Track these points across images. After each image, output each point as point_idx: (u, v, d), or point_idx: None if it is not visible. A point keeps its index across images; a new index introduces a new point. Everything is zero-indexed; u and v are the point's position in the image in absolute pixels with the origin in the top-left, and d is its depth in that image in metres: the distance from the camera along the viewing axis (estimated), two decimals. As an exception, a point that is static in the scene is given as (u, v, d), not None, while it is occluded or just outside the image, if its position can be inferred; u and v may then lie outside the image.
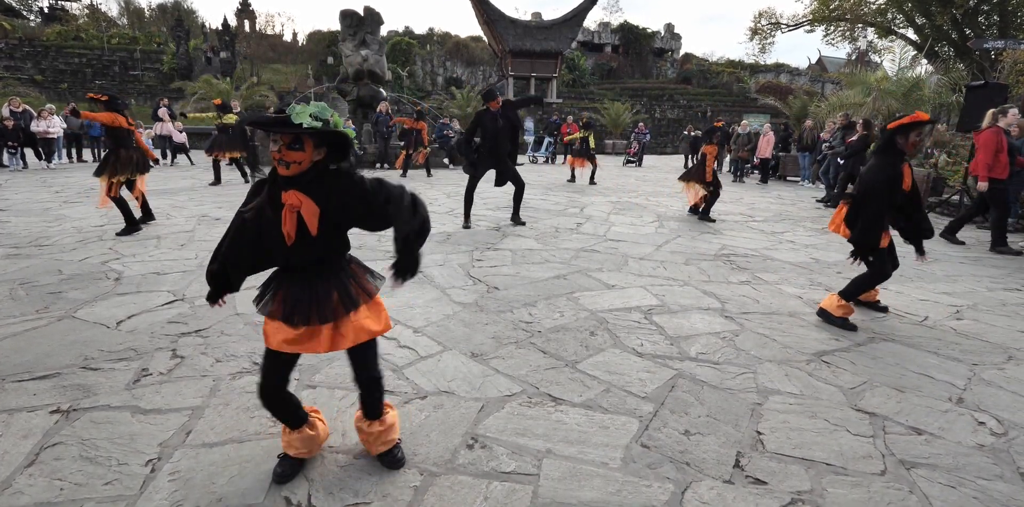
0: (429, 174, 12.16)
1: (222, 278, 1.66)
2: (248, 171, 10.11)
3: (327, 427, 1.92)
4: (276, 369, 1.65)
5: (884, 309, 3.57)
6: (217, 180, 9.45)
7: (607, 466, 1.84)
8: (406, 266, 1.55)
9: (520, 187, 6.16)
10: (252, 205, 1.56)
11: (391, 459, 1.80)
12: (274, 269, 1.66)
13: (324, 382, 2.37)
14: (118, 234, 5.23)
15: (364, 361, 1.72)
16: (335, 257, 1.64)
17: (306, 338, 1.59)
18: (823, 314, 3.32)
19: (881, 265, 3.20)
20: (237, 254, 1.61)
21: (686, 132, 19.66)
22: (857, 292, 3.26)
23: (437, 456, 1.87)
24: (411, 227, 1.53)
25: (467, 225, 6.08)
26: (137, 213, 5.56)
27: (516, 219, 6.29)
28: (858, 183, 3.23)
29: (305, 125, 1.43)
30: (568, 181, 11.60)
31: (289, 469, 1.75)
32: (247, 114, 12.77)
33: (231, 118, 9.41)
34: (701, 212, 7.07)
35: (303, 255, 1.57)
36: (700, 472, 1.82)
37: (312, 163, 1.50)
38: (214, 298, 1.71)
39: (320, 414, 1.92)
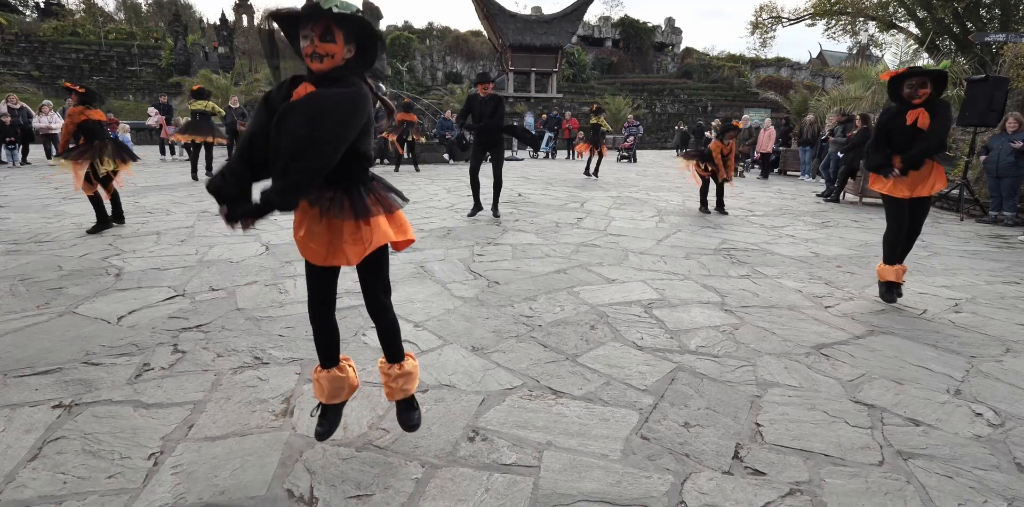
0: (396, 169, 11.94)
1: (231, 180, 1.54)
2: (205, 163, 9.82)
3: (357, 377, 1.94)
4: (315, 282, 1.73)
5: (897, 296, 3.58)
6: (194, 172, 9.37)
7: (607, 458, 1.85)
8: (241, 209, 1.49)
9: (499, 184, 6.27)
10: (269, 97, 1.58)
11: (407, 412, 1.88)
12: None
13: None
14: (88, 232, 5.08)
15: (371, 278, 1.76)
16: (343, 167, 1.57)
17: (323, 246, 1.63)
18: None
19: (893, 217, 3.50)
20: (250, 146, 1.55)
21: (676, 127, 20.92)
22: (888, 251, 3.55)
23: (438, 449, 1.88)
24: (275, 192, 1.44)
25: (479, 206, 6.27)
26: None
27: (495, 211, 6.40)
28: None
29: (335, 10, 1.44)
30: (584, 173, 11.44)
31: (328, 425, 1.83)
32: (235, 109, 12.80)
33: (200, 104, 9.40)
34: (717, 205, 7.24)
35: None
36: (699, 463, 1.83)
37: (344, 60, 1.53)
38: (232, 215, 1.50)
39: (352, 362, 1.95)
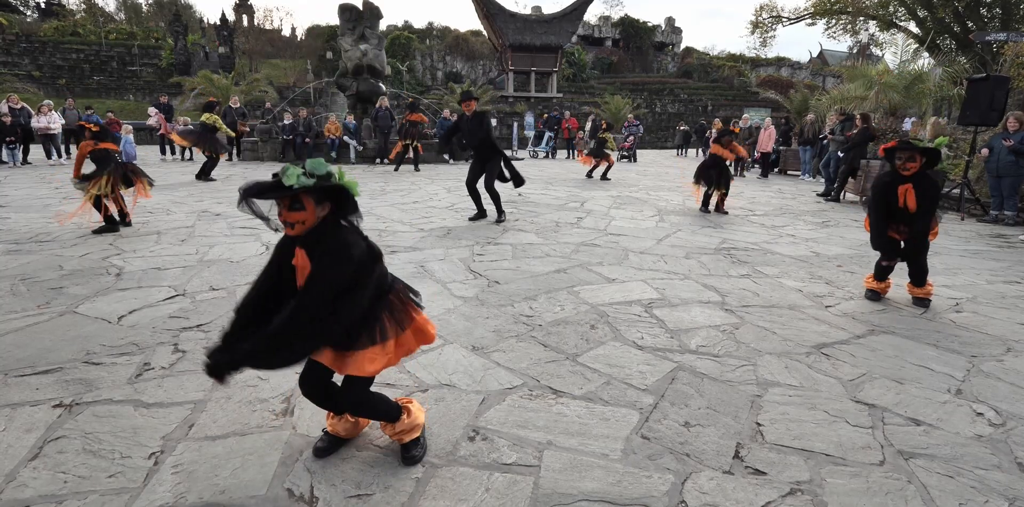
0: (396, 169, 12.20)
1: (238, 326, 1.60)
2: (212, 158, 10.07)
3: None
4: (309, 369, 1.73)
5: (876, 298, 3.69)
6: (200, 173, 9.75)
7: (608, 457, 1.85)
8: (227, 359, 1.51)
9: (493, 195, 6.29)
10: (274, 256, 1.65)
11: (408, 448, 1.83)
12: None
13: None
14: (93, 232, 5.20)
15: (349, 384, 1.71)
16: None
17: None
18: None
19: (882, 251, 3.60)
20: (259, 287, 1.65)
21: (678, 127, 21.98)
22: (878, 272, 3.67)
23: (439, 448, 1.88)
24: (278, 342, 1.49)
25: (482, 213, 6.35)
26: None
27: (500, 216, 6.39)
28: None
29: (296, 186, 1.43)
30: (587, 176, 11.61)
31: (328, 444, 1.85)
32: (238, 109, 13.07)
33: (205, 117, 9.89)
34: (716, 206, 7.18)
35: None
36: (700, 463, 1.83)
37: (319, 219, 1.53)
38: (219, 367, 1.51)
39: None
